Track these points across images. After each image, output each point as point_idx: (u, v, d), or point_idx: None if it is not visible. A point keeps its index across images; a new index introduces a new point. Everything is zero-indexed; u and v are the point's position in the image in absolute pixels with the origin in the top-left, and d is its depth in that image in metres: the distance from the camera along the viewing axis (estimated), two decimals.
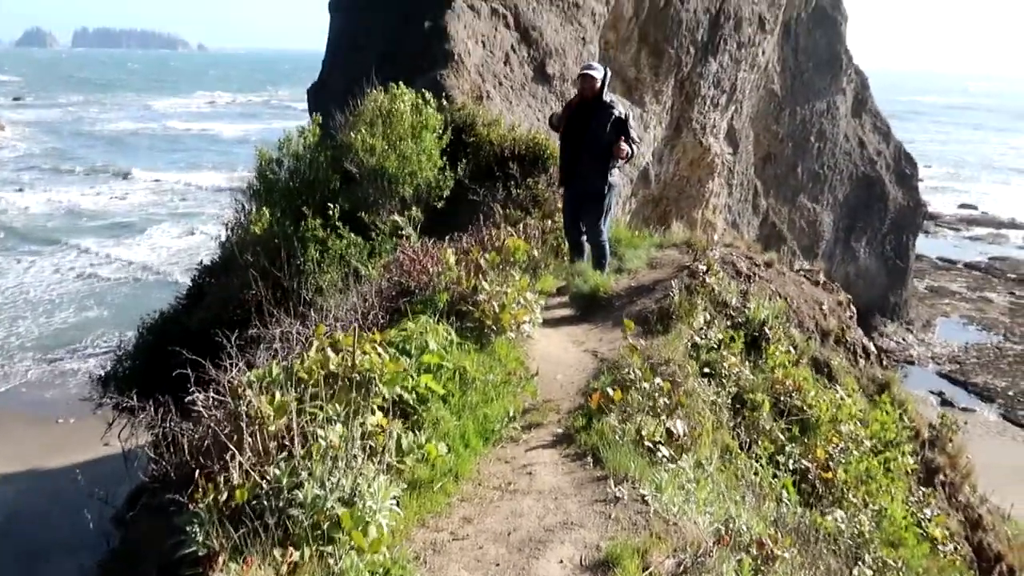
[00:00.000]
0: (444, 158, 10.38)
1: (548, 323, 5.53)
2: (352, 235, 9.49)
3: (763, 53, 31.45)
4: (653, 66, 26.32)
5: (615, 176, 7.18)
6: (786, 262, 24.56)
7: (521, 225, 9.46)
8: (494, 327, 4.43)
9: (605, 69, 7.46)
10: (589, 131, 7.06)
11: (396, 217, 9.82)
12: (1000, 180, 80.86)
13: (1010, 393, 30.61)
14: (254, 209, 10.54)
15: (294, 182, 10.65)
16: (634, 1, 25.91)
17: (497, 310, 4.41)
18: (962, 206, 66.10)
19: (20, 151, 66.23)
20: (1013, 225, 60.08)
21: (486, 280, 4.56)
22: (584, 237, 7.50)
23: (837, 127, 34.45)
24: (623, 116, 7.01)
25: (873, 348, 7.58)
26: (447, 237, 6.41)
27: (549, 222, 9.60)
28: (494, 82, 19.56)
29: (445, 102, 13.03)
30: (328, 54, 23.35)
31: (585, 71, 7.38)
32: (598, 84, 7.16)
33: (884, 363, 7.82)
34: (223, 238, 11.84)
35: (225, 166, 60.03)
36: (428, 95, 10.83)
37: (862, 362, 7.26)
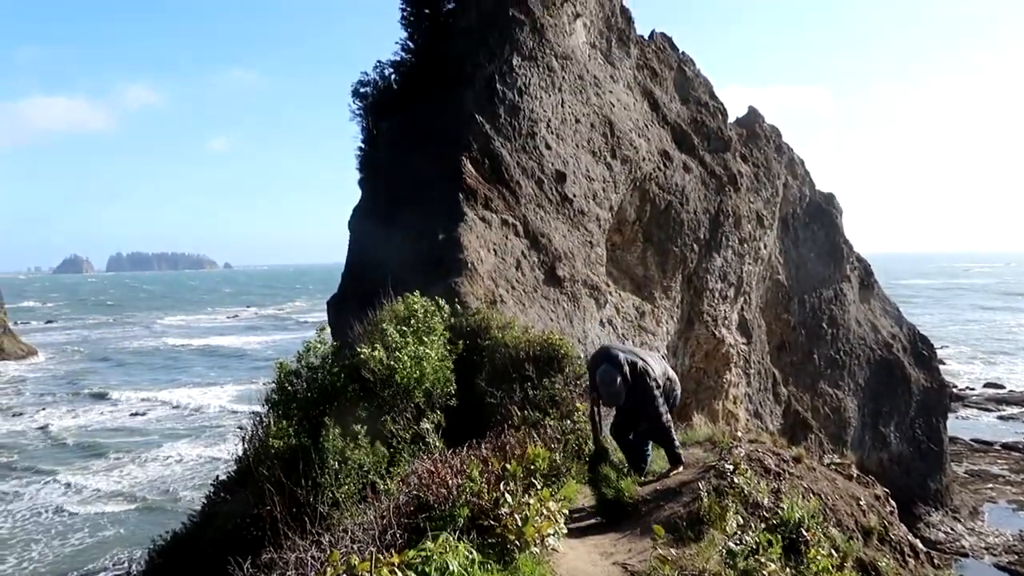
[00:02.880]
0: (451, 358, 10.53)
1: (573, 533, 5.26)
2: (371, 444, 9.35)
3: (765, 247, 32.66)
4: (660, 264, 27.28)
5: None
6: (815, 453, 23.87)
7: (541, 426, 9.34)
8: (517, 542, 4.20)
9: (620, 366, 7.24)
10: (630, 405, 7.33)
11: (426, 424, 9.75)
12: (1019, 358, 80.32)
13: None
14: (272, 421, 10.50)
15: (312, 392, 10.68)
16: (636, 205, 27.41)
17: (520, 524, 4.21)
18: (988, 385, 65.14)
19: (47, 373, 68.12)
20: None
21: (507, 491, 4.40)
22: (631, 437, 7.61)
23: (847, 313, 34.85)
24: (650, 375, 7.23)
25: (922, 546, 7.09)
26: (465, 444, 6.29)
27: (568, 422, 9.47)
28: (507, 287, 20.24)
29: (460, 308, 13.41)
30: (348, 267, 24.43)
31: (610, 393, 7.19)
32: (623, 397, 7.15)
33: (936, 562, 7.28)
34: (240, 452, 11.71)
35: (237, 380, 61.02)
36: (440, 301, 11.18)
37: (911, 562, 6.77)
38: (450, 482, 4.49)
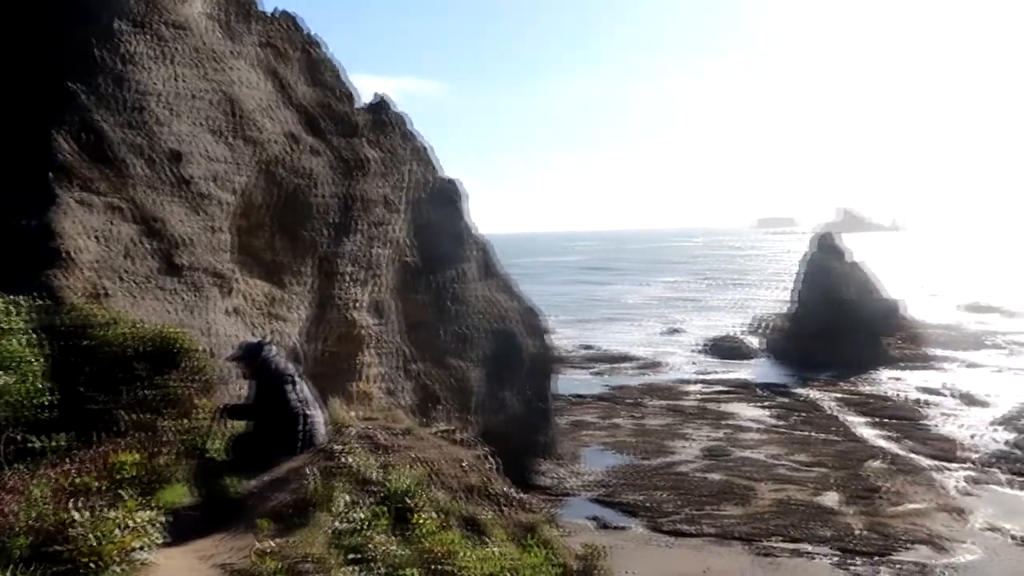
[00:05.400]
0: (43, 364, 9.19)
1: (176, 540, 4.97)
2: None
3: (395, 230, 34.01)
4: (290, 249, 26.85)
5: None
6: (444, 422, 25.59)
7: (153, 429, 8.63)
8: (93, 564, 3.83)
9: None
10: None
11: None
12: (604, 321, 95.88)
13: (649, 505, 34.72)
14: None
15: None
16: (263, 189, 26.55)
17: (96, 543, 3.84)
18: (583, 347, 76.14)
19: None
20: (625, 358, 70.68)
21: (77, 509, 3.97)
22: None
23: (470, 290, 37.95)
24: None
25: (516, 495, 8.10)
26: (45, 461, 5.56)
27: (186, 421, 8.93)
28: (114, 278, 18.23)
29: (54, 305, 11.74)
30: None
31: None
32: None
33: (529, 506, 8.37)
34: None
35: None
36: (20, 299, 9.65)
37: (509, 510, 7.70)
38: (6, 509, 3.92)
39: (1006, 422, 47.95)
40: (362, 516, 5.29)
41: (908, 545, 30.39)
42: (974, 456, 41.49)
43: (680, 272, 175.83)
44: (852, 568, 28.70)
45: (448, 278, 36.66)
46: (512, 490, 8.08)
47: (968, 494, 36.16)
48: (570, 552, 8.46)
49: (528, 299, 43.79)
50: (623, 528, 32.81)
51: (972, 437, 45.08)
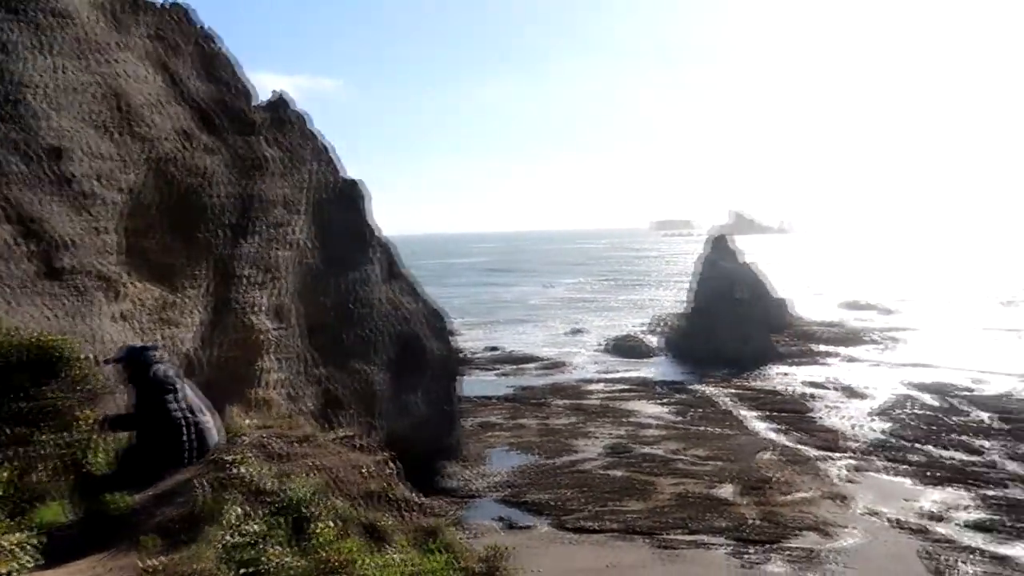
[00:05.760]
0: None
1: (55, 561, 4.71)
2: None
3: (296, 231, 33.15)
4: (184, 251, 25.78)
5: None
6: (347, 426, 25.11)
7: (31, 443, 8.14)
8: None
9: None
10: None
11: None
12: (509, 323, 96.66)
13: (554, 504, 35.17)
14: None
15: None
16: (155, 188, 25.39)
17: None
18: (489, 348, 76.44)
19: None
20: (529, 359, 71.40)
21: None
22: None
23: (373, 293, 37.45)
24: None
25: (417, 499, 8.08)
26: None
27: (67, 435, 8.47)
28: None
29: None
30: None
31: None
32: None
33: (430, 510, 8.37)
34: None
35: None
36: None
37: (410, 515, 7.67)
38: None
39: (883, 412, 51.28)
40: (256, 528, 5.15)
41: (797, 532, 31.99)
42: (855, 445, 44.14)
43: (582, 273, 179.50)
44: (746, 556, 29.96)
45: (352, 280, 36.05)
46: (413, 495, 8.06)
47: (850, 481, 38.41)
48: (473, 554, 8.49)
49: (433, 301, 43.59)
50: (529, 527, 33.09)
51: (853, 427, 47.95)
